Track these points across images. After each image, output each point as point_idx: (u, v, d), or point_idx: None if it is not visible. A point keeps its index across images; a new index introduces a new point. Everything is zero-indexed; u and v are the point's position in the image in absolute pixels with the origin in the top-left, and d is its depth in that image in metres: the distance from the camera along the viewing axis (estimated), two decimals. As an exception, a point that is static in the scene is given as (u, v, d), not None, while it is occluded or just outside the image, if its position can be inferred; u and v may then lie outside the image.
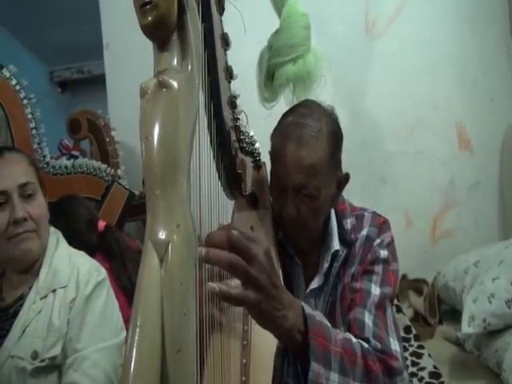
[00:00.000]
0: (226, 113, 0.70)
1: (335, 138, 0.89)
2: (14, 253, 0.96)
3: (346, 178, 0.94)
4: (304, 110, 0.90)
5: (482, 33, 2.11)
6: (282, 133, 0.89)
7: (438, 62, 2.11)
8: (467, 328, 1.43)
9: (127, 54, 2.14)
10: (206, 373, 0.63)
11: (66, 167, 1.68)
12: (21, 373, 0.89)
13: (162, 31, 0.42)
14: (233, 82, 0.73)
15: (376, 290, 0.85)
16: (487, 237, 2.05)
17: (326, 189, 0.87)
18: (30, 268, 0.99)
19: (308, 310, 0.65)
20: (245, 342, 0.73)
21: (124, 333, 1.00)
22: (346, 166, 0.95)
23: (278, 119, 0.96)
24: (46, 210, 1.02)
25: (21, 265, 0.99)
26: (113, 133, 2.01)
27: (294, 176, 0.85)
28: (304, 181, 0.84)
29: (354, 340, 0.73)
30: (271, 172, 0.93)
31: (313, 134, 0.85)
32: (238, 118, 0.80)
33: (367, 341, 0.76)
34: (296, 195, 0.86)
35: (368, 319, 0.81)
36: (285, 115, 0.94)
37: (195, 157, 0.46)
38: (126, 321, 1.03)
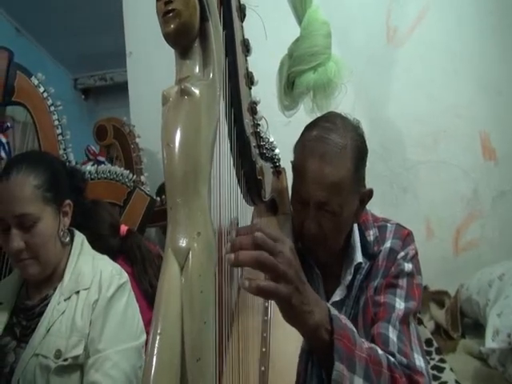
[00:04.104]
0: (247, 119, 0.70)
1: (360, 154, 0.87)
2: (22, 275, 1.04)
3: (370, 193, 0.92)
4: (329, 124, 0.88)
5: (505, 40, 2.07)
6: (305, 147, 0.87)
7: (460, 69, 2.08)
8: (491, 343, 1.39)
9: (150, 62, 2.17)
10: (224, 380, 0.63)
11: (89, 173, 1.70)
12: (45, 371, 0.92)
13: (184, 39, 0.42)
14: (253, 88, 0.73)
15: (400, 305, 0.83)
16: (512, 249, 2.00)
17: (348, 205, 0.85)
18: (55, 271, 1.02)
19: (334, 311, 0.64)
20: (264, 349, 0.72)
21: (144, 336, 1.02)
22: (366, 175, 0.94)
23: (298, 126, 0.95)
24: (49, 234, 0.98)
25: (33, 281, 1.03)
26: (137, 140, 2.06)
27: (316, 192, 0.83)
28: (326, 198, 0.83)
29: (380, 351, 0.71)
30: (293, 185, 0.91)
31: (337, 150, 0.83)
32: (259, 124, 0.79)
33: (392, 355, 0.75)
34: (318, 211, 0.85)
35: (392, 334, 0.79)
36: (308, 128, 0.91)
37: (215, 163, 0.46)
38: (147, 324, 1.04)
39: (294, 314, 0.57)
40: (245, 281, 0.51)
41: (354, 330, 0.67)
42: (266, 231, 0.54)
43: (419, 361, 0.77)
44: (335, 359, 0.61)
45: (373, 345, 0.72)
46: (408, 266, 0.88)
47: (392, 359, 0.73)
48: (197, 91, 0.40)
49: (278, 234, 0.57)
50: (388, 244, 0.92)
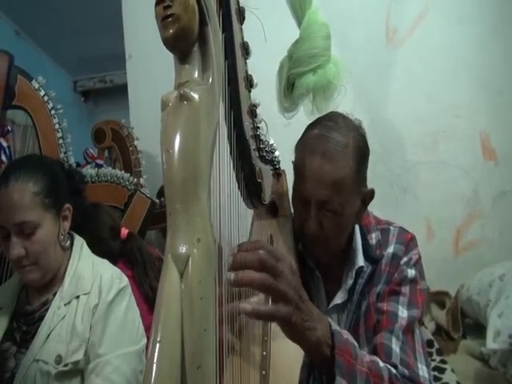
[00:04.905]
0: (247, 122, 0.70)
1: (362, 153, 0.86)
2: (23, 280, 1.03)
3: (371, 194, 0.91)
4: (330, 123, 0.87)
5: (506, 40, 2.06)
6: (306, 146, 0.87)
7: (460, 70, 2.08)
8: (492, 344, 1.38)
9: (149, 64, 2.17)
10: (224, 384, 0.63)
11: (90, 176, 1.70)
12: (45, 376, 0.91)
13: (183, 43, 0.42)
14: (252, 90, 0.73)
15: (403, 313, 0.83)
16: (513, 249, 1.99)
17: (349, 205, 0.85)
18: (54, 276, 1.02)
19: (335, 326, 0.64)
20: (264, 353, 0.72)
21: (144, 340, 1.02)
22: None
23: (298, 128, 0.95)
24: (49, 240, 0.98)
25: (34, 286, 1.03)
26: (136, 142, 2.05)
27: (317, 191, 0.82)
28: (327, 197, 0.82)
29: (382, 364, 0.71)
30: (294, 184, 0.91)
31: (338, 149, 0.82)
32: (258, 127, 0.79)
33: (395, 367, 0.74)
34: (319, 210, 0.84)
35: (395, 345, 0.78)
36: (310, 127, 0.91)
37: (215, 167, 0.46)
38: (148, 328, 1.03)
39: (296, 332, 0.58)
40: (245, 305, 0.52)
41: (356, 344, 0.67)
42: (268, 249, 0.55)
43: (422, 371, 0.77)
44: (336, 374, 0.61)
45: (374, 358, 0.72)
46: (411, 273, 0.88)
47: (394, 371, 0.72)
48: (196, 96, 0.40)
49: (279, 252, 0.57)
50: (391, 249, 0.91)
